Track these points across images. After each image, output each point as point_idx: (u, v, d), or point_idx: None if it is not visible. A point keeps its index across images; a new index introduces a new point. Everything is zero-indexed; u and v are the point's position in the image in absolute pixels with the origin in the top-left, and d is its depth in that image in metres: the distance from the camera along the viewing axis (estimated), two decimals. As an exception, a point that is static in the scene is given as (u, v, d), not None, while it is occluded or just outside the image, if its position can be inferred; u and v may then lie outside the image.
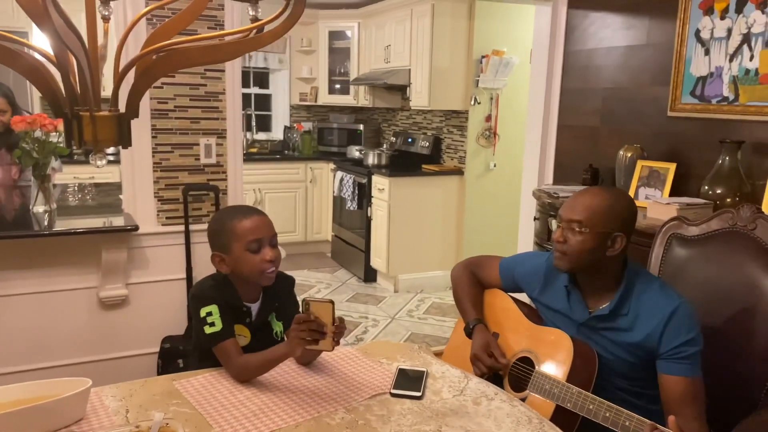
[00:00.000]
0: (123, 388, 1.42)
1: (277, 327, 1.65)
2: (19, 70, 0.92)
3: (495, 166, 4.75)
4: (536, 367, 1.59)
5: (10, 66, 0.92)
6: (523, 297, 1.84)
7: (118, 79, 0.98)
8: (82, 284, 2.59)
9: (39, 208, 2.63)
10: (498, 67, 4.55)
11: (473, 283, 1.86)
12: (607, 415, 1.38)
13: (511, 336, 1.72)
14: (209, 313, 1.49)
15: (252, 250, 1.53)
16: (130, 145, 0.99)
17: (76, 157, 4.45)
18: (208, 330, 1.49)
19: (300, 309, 1.38)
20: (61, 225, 2.55)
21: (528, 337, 1.68)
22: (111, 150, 3.75)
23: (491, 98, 4.68)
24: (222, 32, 0.97)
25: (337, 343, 1.38)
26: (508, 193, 4.66)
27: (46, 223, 2.54)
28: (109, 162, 4.12)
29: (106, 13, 1.15)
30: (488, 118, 4.70)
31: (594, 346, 1.59)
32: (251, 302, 1.61)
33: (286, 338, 1.59)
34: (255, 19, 1.09)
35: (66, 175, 4.31)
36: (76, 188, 3.43)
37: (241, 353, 1.49)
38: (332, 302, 1.36)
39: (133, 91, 1.01)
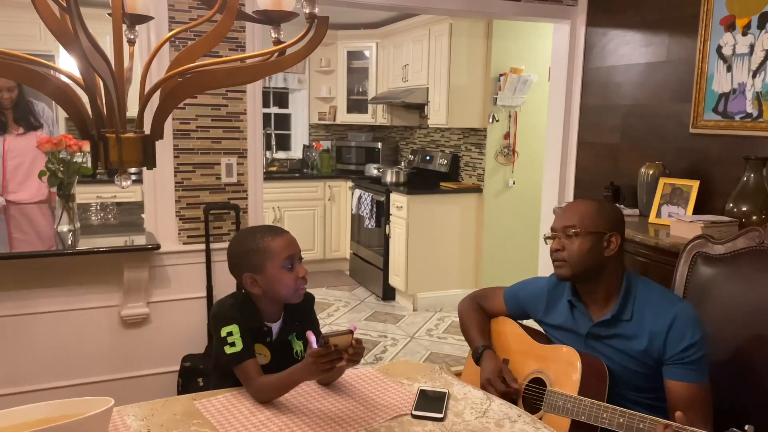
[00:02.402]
0: (144, 408, 1.42)
1: (298, 346, 1.65)
2: (47, 93, 0.94)
3: (514, 183, 4.73)
4: (548, 386, 1.58)
5: (39, 89, 0.94)
6: (530, 323, 1.85)
7: (144, 100, 1.00)
8: (104, 303, 2.62)
9: (63, 227, 2.67)
10: (516, 85, 4.55)
11: (479, 313, 1.88)
12: (621, 420, 1.38)
13: (520, 359, 1.72)
14: (230, 333, 1.49)
15: (287, 268, 1.54)
16: (155, 165, 1.00)
17: (98, 176, 4.52)
18: (228, 350, 1.49)
19: (319, 342, 1.39)
20: (84, 244, 2.58)
21: (537, 358, 1.68)
22: (133, 169, 3.81)
23: (509, 116, 4.68)
24: (246, 55, 0.98)
25: (356, 362, 1.39)
26: (527, 210, 4.63)
27: (70, 242, 2.57)
28: (132, 181, 4.20)
29: (132, 37, 1.18)
30: (507, 136, 4.69)
31: (602, 358, 1.60)
32: (272, 322, 1.61)
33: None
34: (277, 42, 1.10)
35: (89, 195, 4.39)
36: (98, 207, 3.48)
37: (261, 373, 1.49)
38: (351, 331, 1.37)
39: (158, 113, 1.02)
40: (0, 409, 1.19)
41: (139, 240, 2.61)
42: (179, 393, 2.59)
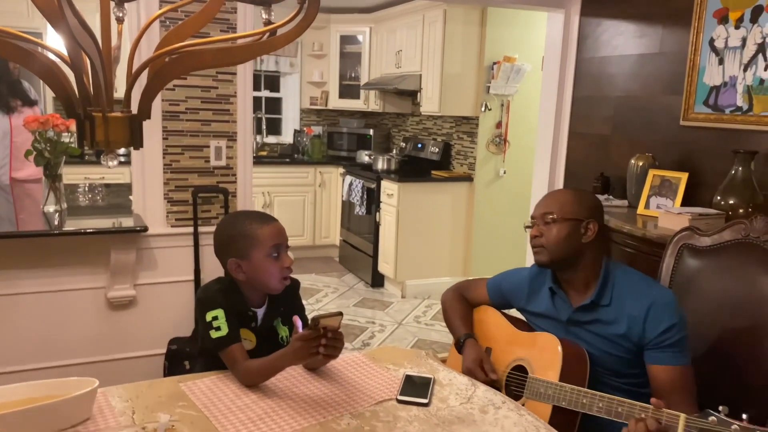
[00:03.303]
0: (129, 389, 1.42)
1: (283, 332, 1.65)
2: (34, 70, 0.93)
3: (505, 173, 4.73)
4: (529, 374, 1.60)
5: (25, 66, 0.92)
6: (513, 313, 1.87)
7: (131, 80, 0.98)
8: (91, 284, 2.60)
9: (50, 208, 2.65)
10: (509, 74, 4.54)
11: (462, 303, 1.91)
12: (601, 405, 1.41)
13: (503, 348, 1.75)
14: (215, 318, 1.49)
15: (273, 257, 1.54)
16: (142, 146, 0.99)
17: (87, 157, 4.47)
18: (214, 334, 1.49)
19: (308, 323, 1.38)
20: (71, 225, 2.56)
21: (519, 345, 1.70)
22: (122, 151, 3.78)
23: (502, 105, 4.67)
24: (235, 35, 0.97)
25: (333, 356, 1.40)
26: (517, 200, 4.64)
27: (56, 222, 2.55)
28: (120, 163, 4.15)
29: (121, 15, 1.15)
30: (499, 125, 4.69)
31: (582, 344, 1.62)
32: (257, 307, 1.61)
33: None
34: (268, 23, 1.09)
35: (77, 176, 4.34)
36: (86, 188, 3.45)
37: (246, 358, 1.49)
38: (341, 314, 1.37)
39: (146, 93, 1.01)
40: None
41: (127, 222, 2.59)
42: (165, 376, 2.59)
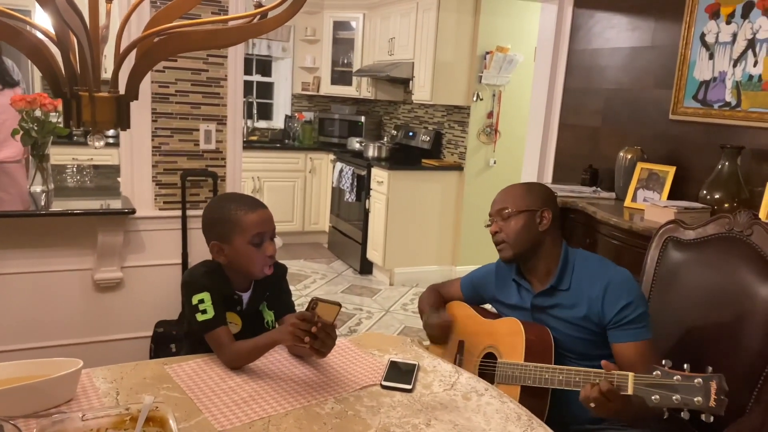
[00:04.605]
0: (114, 371, 1.42)
1: (268, 316, 1.65)
2: (20, 48, 0.92)
3: (495, 163, 4.74)
4: (498, 359, 1.64)
5: (11, 43, 0.91)
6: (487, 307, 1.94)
7: (119, 60, 0.98)
8: (78, 266, 2.59)
9: (36, 188, 2.63)
10: (502, 64, 4.54)
11: (435, 296, 1.98)
12: (561, 377, 1.47)
13: (474, 339, 1.79)
14: (201, 300, 1.49)
15: (255, 244, 1.53)
16: (129, 127, 0.98)
17: (75, 138, 4.43)
18: (200, 317, 1.49)
19: (308, 307, 1.38)
20: (58, 206, 2.54)
21: (488, 334, 1.74)
22: (111, 132, 3.74)
23: (494, 95, 4.67)
24: (224, 17, 0.96)
25: (321, 353, 1.40)
26: (507, 190, 4.64)
27: (43, 203, 2.53)
28: (109, 144, 4.11)
29: (110, -6, 1.14)
30: (490, 115, 4.69)
31: (547, 327, 1.67)
32: (243, 291, 1.61)
33: (277, 326, 1.60)
34: (259, 5, 1.08)
35: (65, 156, 4.30)
36: (74, 169, 3.42)
37: (232, 341, 1.49)
38: (339, 305, 1.37)
39: (133, 74, 1.00)
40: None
41: (115, 204, 2.57)
42: (151, 358, 2.59)
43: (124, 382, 1.37)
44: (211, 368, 1.47)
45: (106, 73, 1.00)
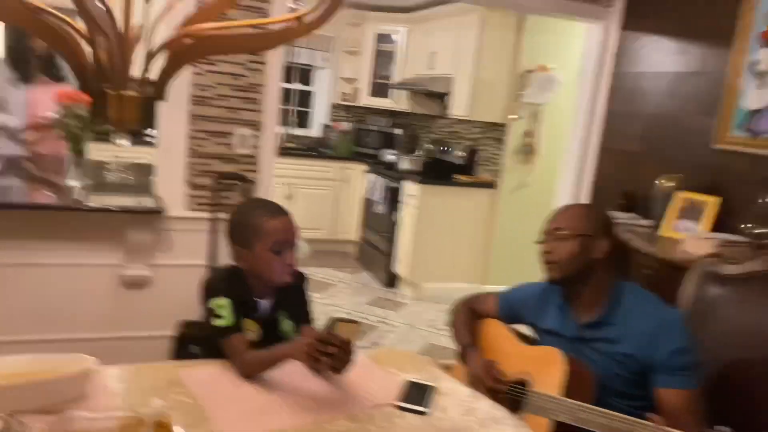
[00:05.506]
0: (128, 371, 1.41)
1: (286, 326, 1.63)
2: (48, 42, 0.92)
3: (531, 183, 4.66)
4: (531, 388, 1.57)
5: (41, 37, 0.91)
6: (522, 329, 1.84)
7: (148, 60, 0.97)
8: (107, 261, 2.62)
9: (73, 183, 2.67)
10: (543, 83, 4.47)
11: (469, 314, 1.89)
12: (602, 421, 1.36)
13: (506, 361, 1.71)
14: (220, 306, 1.48)
15: (275, 251, 1.51)
16: (152, 127, 0.97)
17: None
18: (216, 322, 1.48)
19: (326, 326, 1.35)
20: (92, 201, 2.58)
21: (522, 359, 1.67)
22: (149, 131, 3.80)
23: (533, 114, 4.60)
24: (257, 21, 0.95)
25: (338, 371, 1.36)
26: (542, 211, 4.50)
27: (77, 197, 2.57)
28: (148, 144, 4.19)
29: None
30: (528, 134, 4.62)
31: (587, 362, 1.58)
32: (261, 297, 1.59)
33: (296, 337, 1.57)
34: (293, 11, 1.07)
35: (105, 153, 4.39)
36: (113, 166, 3.48)
37: (247, 350, 1.47)
38: (359, 324, 1.34)
39: (163, 74, 0.99)
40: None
41: (147, 202, 2.60)
42: (172, 358, 2.59)
43: (136, 383, 1.36)
44: (224, 375, 1.45)
45: (137, 72, 0.99)
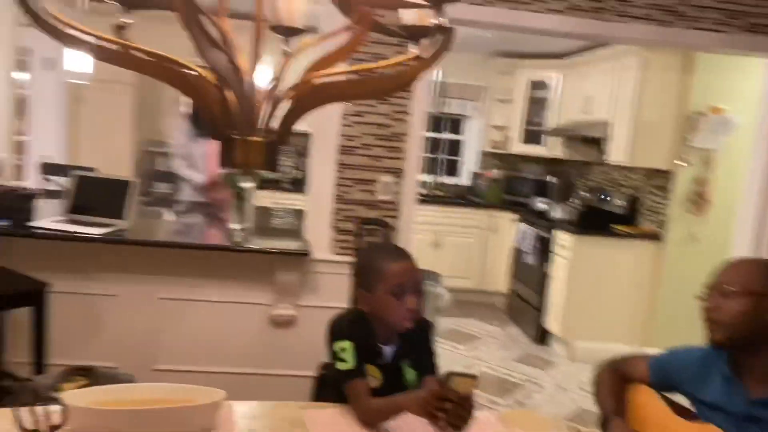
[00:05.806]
0: (255, 408, 1.46)
1: (409, 374, 1.58)
2: (182, 91, 1.00)
3: (702, 235, 4.19)
4: None
5: (176, 87, 1.00)
6: (677, 398, 1.59)
7: (271, 108, 1.02)
8: (258, 299, 2.79)
9: (235, 226, 2.91)
10: (716, 126, 4.05)
11: (616, 378, 1.67)
12: None
13: None
14: (343, 349, 1.48)
15: (395, 294, 1.50)
16: (275, 170, 1.01)
17: (282, 184, 4.94)
18: (340, 366, 1.48)
19: (441, 381, 1.29)
20: (249, 243, 2.78)
21: None
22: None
23: (704, 160, 4.17)
24: (369, 66, 0.96)
25: (457, 428, 1.27)
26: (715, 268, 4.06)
27: (236, 240, 2.79)
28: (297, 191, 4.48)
29: (288, 49, 1.21)
30: (698, 182, 4.18)
31: None
32: (386, 344, 1.57)
33: (420, 386, 1.52)
34: (415, 57, 1.07)
35: (269, 199, 4.78)
36: (275, 212, 3.76)
37: (369, 395, 1.45)
38: (476, 378, 1.27)
39: (285, 120, 1.04)
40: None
41: (294, 245, 2.75)
42: (312, 399, 2.66)
43: (261, 422, 1.39)
44: (346, 420, 1.44)
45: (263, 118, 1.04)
